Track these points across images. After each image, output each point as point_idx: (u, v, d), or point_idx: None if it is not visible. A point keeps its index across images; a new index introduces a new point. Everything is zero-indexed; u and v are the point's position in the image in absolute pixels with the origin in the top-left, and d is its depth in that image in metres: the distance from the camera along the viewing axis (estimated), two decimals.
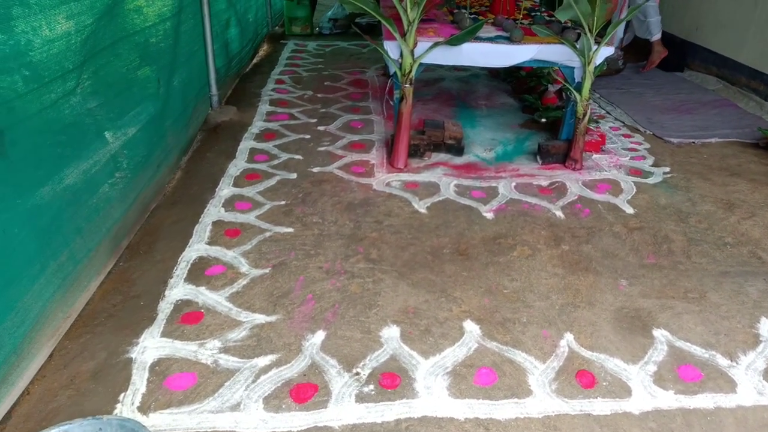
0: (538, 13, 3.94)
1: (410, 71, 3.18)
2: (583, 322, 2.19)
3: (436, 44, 3.17)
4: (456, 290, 2.34)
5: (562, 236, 2.78)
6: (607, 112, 4.52)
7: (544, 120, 4.06)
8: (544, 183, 3.31)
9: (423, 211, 2.95)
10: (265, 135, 3.82)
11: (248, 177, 3.23)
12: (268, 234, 2.67)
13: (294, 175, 3.27)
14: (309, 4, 6.87)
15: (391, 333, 2.08)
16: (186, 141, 3.48)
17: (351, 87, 4.91)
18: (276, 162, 3.43)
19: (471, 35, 3.19)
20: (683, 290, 2.41)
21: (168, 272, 2.39)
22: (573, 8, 3.00)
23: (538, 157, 3.55)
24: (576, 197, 3.15)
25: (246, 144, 3.66)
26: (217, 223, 2.75)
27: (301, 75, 5.24)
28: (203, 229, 2.69)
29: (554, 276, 2.46)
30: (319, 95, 4.67)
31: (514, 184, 3.28)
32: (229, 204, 2.93)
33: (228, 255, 2.50)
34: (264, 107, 4.34)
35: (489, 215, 2.94)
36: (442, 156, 3.59)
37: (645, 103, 4.72)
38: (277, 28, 7.18)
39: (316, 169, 3.35)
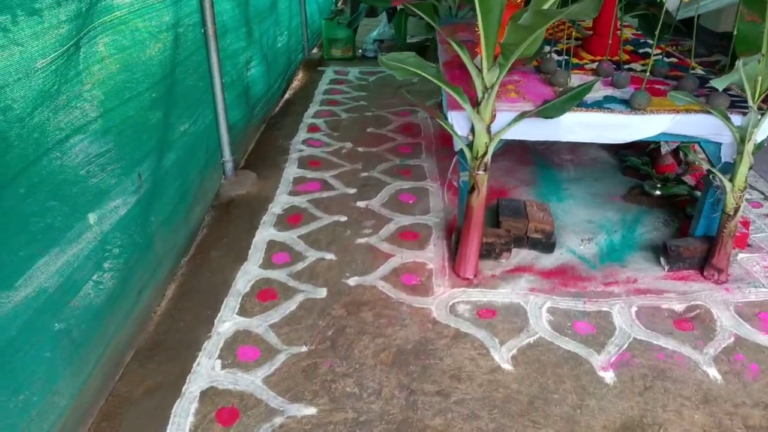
0: (662, 59, 2.90)
1: (485, 153, 2.25)
2: None
3: (522, 115, 2.22)
4: None
5: (730, 426, 1.79)
6: None
7: (658, 193, 3.05)
8: (679, 307, 2.31)
9: (507, 366, 2.01)
10: (288, 217, 2.95)
11: (261, 295, 2.37)
12: (278, 421, 1.79)
13: (323, 293, 2.38)
14: (351, 24, 6.00)
15: None
16: (186, 237, 2.65)
17: (399, 135, 4.00)
18: (300, 266, 2.55)
19: (574, 102, 2.22)
20: None
21: None
22: (739, 72, 2.00)
23: (662, 260, 2.55)
24: (731, 338, 2.14)
25: (263, 234, 2.80)
26: (206, 395, 1.89)
27: (340, 117, 4.36)
28: (185, 409, 1.83)
29: None
30: (360, 149, 3.78)
31: (634, 308, 2.30)
32: (230, 351, 2.07)
33: None
34: (291, 170, 3.47)
35: (608, 376, 1.98)
36: (523, 255, 2.63)
37: None
38: (315, 50, 6.34)
39: (353, 281, 2.46)
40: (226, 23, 3.19)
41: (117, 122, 1.96)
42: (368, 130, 4.10)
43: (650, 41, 3.31)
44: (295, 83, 5.31)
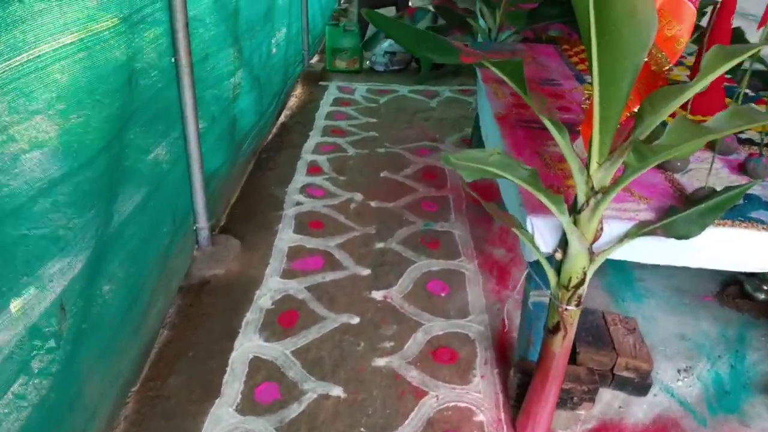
0: None
1: (582, 281, 1.50)
2: None
3: (640, 229, 1.48)
4: None
5: None
6: None
7: (763, 297, 2.33)
8: None
9: None
10: (280, 316, 2.19)
11: None
12: None
13: None
14: (359, 31, 5.22)
15: None
16: (136, 356, 1.87)
17: (420, 184, 3.24)
18: (295, 410, 1.80)
19: (718, 214, 1.48)
20: None
21: None
22: None
23: None
24: None
25: (245, 345, 2.04)
26: None
27: (346, 154, 3.59)
28: None
29: None
30: (372, 203, 3.02)
31: None
32: None
33: None
34: (286, 235, 2.71)
35: None
36: (607, 399, 1.90)
37: None
38: (315, 59, 5.55)
39: None
40: (207, 45, 2.41)
41: (26, 223, 1.20)
42: (382, 174, 3.34)
43: (749, 92, 2.58)
44: (293, 101, 4.52)
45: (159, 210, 2.02)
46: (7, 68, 1.15)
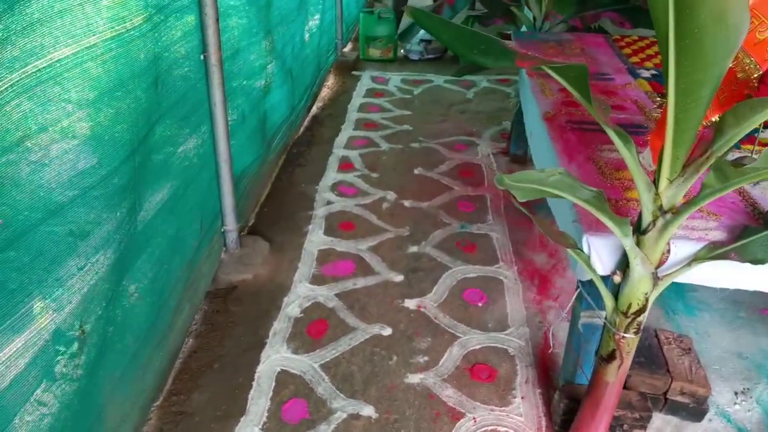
0: None
1: (644, 308, 1.36)
2: None
3: (710, 251, 1.32)
4: None
5: None
6: None
7: None
8: None
9: None
10: (309, 326, 2.09)
11: None
12: None
13: None
14: (394, 18, 5.06)
15: None
16: (160, 369, 1.79)
17: (456, 182, 3.10)
18: (322, 430, 1.70)
19: None
20: None
21: None
22: None
23: None
24: None
25: (272, 357, 1.95)
26: None
27: (379, 149, 3.47)
28: None
29: None
30: (405, 203, 2.89)
31: None
32: None
33: None
34: (316, 236, 2.60)
35: None
36: (657, 425, 1.75)
37: None
38: (348, 47, 5.41)
39: None
40: (238, 40, 2.30)
41: (44, 239, 1.12)
42: (416, 171, 3.21)
43: None
44: (325, 92, 4.41)
45: (187, 212, 1.93)
46: (36, 68, 1.06)
